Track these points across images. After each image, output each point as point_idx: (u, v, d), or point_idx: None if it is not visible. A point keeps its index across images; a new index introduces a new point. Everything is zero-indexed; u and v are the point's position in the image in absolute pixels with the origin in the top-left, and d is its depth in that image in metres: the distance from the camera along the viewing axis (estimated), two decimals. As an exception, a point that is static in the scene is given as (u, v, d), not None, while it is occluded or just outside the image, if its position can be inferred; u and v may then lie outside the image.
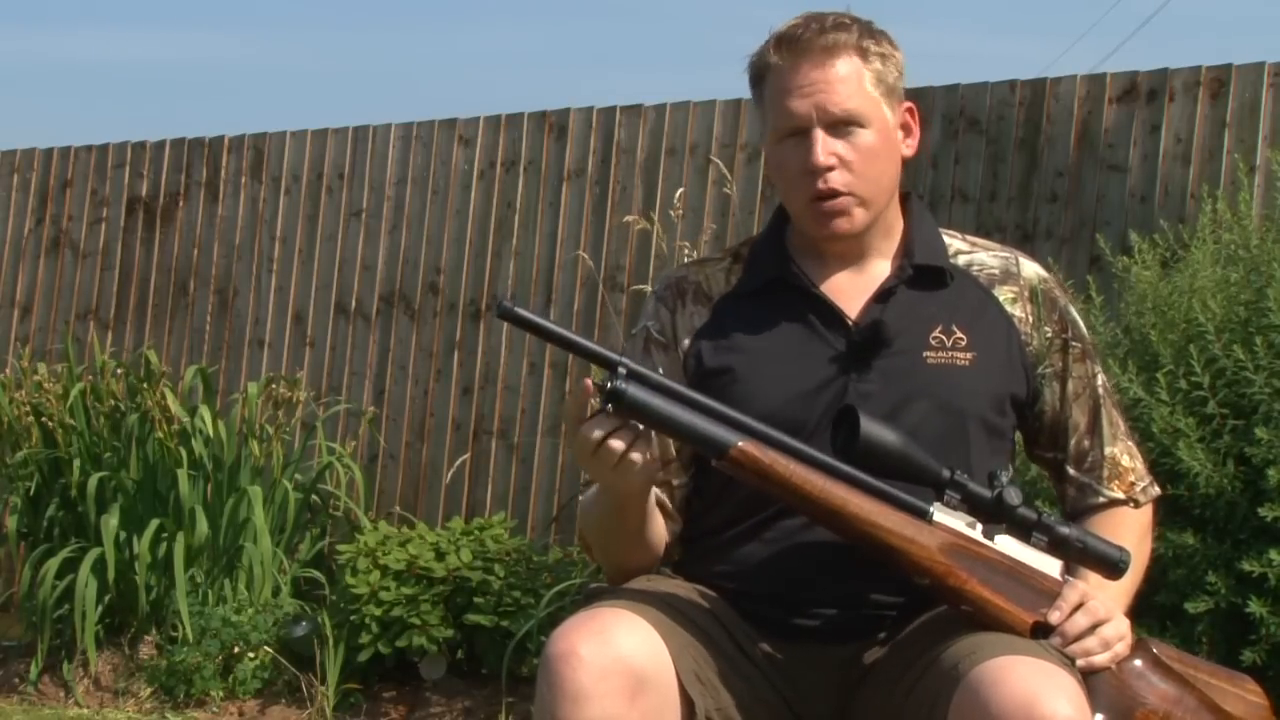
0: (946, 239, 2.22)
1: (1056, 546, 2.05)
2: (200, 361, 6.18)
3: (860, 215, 2.14)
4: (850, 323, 2.14)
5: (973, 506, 2.03)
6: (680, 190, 5.25)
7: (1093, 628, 2.02)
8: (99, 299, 6.65)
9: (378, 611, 4.99)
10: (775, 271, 2.19)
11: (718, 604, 2.12)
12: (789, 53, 2.11)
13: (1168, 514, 3.30)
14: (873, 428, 2.00)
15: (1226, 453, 3.32)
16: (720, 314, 2.19)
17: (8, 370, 6.28)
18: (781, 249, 2.20)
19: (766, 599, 2.12)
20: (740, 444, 1.97)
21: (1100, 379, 2.24)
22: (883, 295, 2.15)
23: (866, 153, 2.12)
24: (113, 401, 5.73)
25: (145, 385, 5.62)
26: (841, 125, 2.10)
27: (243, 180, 6.41)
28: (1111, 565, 2.06)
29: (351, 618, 5.02)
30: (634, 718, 1.92)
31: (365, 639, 4.99)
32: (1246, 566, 3.21)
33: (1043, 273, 2.23)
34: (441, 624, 4.97)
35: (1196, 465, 3.28)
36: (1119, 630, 2.04)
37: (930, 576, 2.02)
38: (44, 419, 5.73)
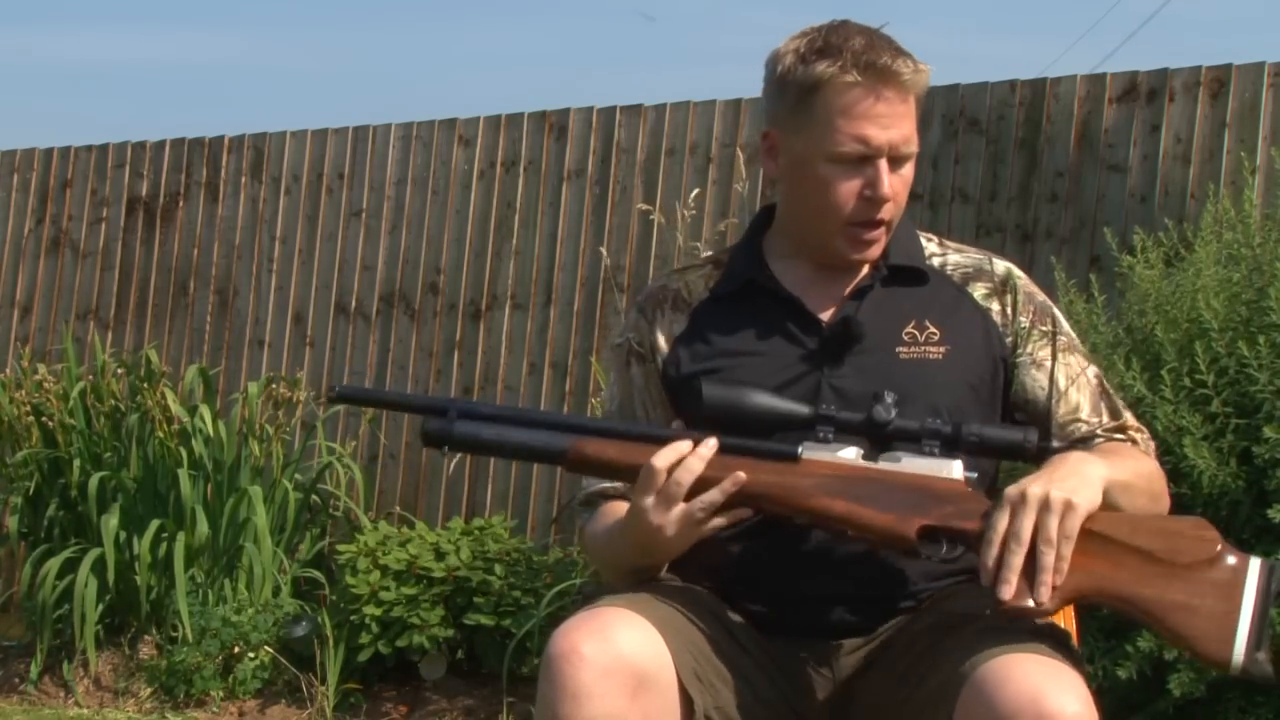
0: (922, 241, 2.25)
1: (951, 446, 2.00)
2: (200, 361, 6.18)
3: (885, 242, 2.18)
4: (823, 322, 2.16)
5: (853, 434, 2.01)
6: (697, 192, 5.25)
7: (1029, 541, 1.90)
8: (99, 299, 6.65)
9: (378, 611, 4.98)
10: (750, 275, 2.21)
11: (716, 602, 2.13)
12: (871, 76, 2.09)
13: (1170, 513, 3.29)
14: (714, 390, 2.03)
15: (1230, 451, 3.32)
16: (697, 320, 2.22)
17: (8, 370, 6.28)
18: (757, 253, 2.23)
19: (764, 596, 2.13)
20: (574, 443, 2.03)
21: (1092, 370, 2.22)
22: (857, 294, 2.18)
23: (905, 185, 2.16)
24: (113, 401, 5.73)
25: (145, 385, 5.62)
26: (901, 160, 2.13)
27: (243, 180, 6.41)
28: (1016, 448, 2.00)
29: (351, 618, 5.02)
30: (635, 716, 1.92)
31: (365, 639, 4.99)
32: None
33: (1015, 269, 2.25)
34: (441, 624, 4.97)
35: (1201, 463, 3.27)
36: (1063, 512, 1.91)
37: (797, 511, 2.00)
38: (44, 419, 5.73)
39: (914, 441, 2.01)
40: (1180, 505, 3.32)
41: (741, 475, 1.99)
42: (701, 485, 2.00)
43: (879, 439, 2.02)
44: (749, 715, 2.06)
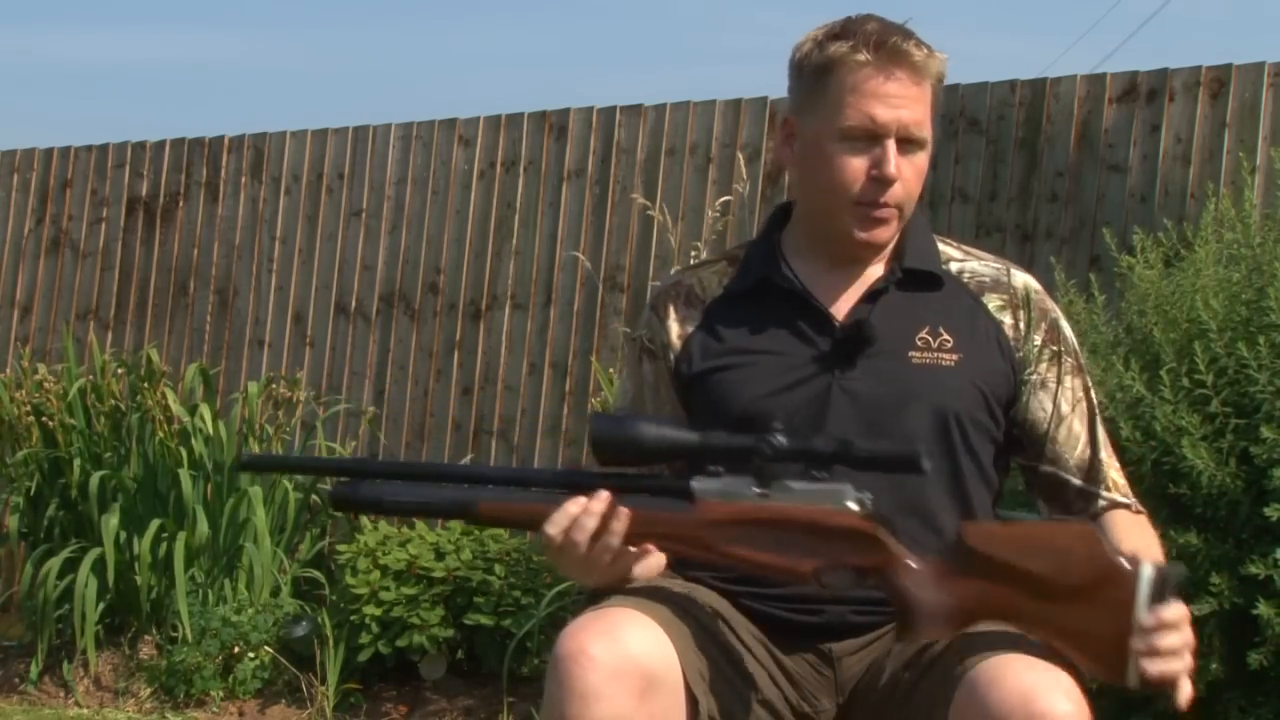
0: (941, 246, 2.25)
1: (845, 465, 1.96)
2: (200, 361, 6.18)
3: (895, 229, 2.17)
4: (836, 323, 2.16)
5: (741, 461, 1.98)
6: (728, 198, 5.23)
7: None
8: (99, 299, 6.65)
9: (378, 611, 4.99)
10: (765, 272, 2.21)
11: (720, 603, 2.13)
12: (882, 56, 2.10)
13: (1170, 514, 3.30)
14: (602, 427, 2.00)
15: (1229, 451, 3.32)
16: (711, 317, 2.22)
17: (8, 370, 6.28)
18: (774, 250, 2.23)
19: (768, 596, 2.13)
20: (480, 503, 2.01)
21: (1092, 393, 2.25)
22: (871, 296, 2.18)
23: (917, 174, 2.15)
24: (113, 401, 5.73)
25: (146, 385, 5.63)
26: (911, 144, 2.13)
27: (243, 180, 6.41)
28: (907, 461, 1.97)
29: (351, 618, 5.03)
30: (642, 717, 1.92)
31: (365, 639, 5.00)
32: (1254, 570, 3.21)
33: (1033, 283, 2.25)
34: (441, 624, 4.98)
35: (1200, 463, 3.28)
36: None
37: (699, 557, 2.01)
38: (44, 419, 5.73)
39: (805, 461, 1.97)
40: (1179, 505, 3.33)
41: (625, 511, 1.97)
42: (600, 534, 1.99)
43: (771, 465, 1.98)
44: (753, 716, 2.07)
